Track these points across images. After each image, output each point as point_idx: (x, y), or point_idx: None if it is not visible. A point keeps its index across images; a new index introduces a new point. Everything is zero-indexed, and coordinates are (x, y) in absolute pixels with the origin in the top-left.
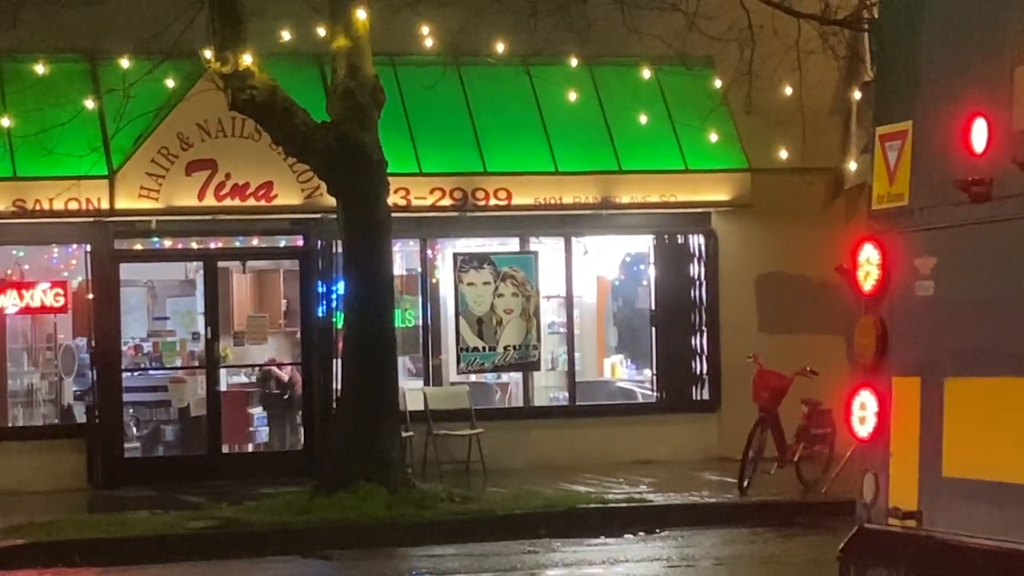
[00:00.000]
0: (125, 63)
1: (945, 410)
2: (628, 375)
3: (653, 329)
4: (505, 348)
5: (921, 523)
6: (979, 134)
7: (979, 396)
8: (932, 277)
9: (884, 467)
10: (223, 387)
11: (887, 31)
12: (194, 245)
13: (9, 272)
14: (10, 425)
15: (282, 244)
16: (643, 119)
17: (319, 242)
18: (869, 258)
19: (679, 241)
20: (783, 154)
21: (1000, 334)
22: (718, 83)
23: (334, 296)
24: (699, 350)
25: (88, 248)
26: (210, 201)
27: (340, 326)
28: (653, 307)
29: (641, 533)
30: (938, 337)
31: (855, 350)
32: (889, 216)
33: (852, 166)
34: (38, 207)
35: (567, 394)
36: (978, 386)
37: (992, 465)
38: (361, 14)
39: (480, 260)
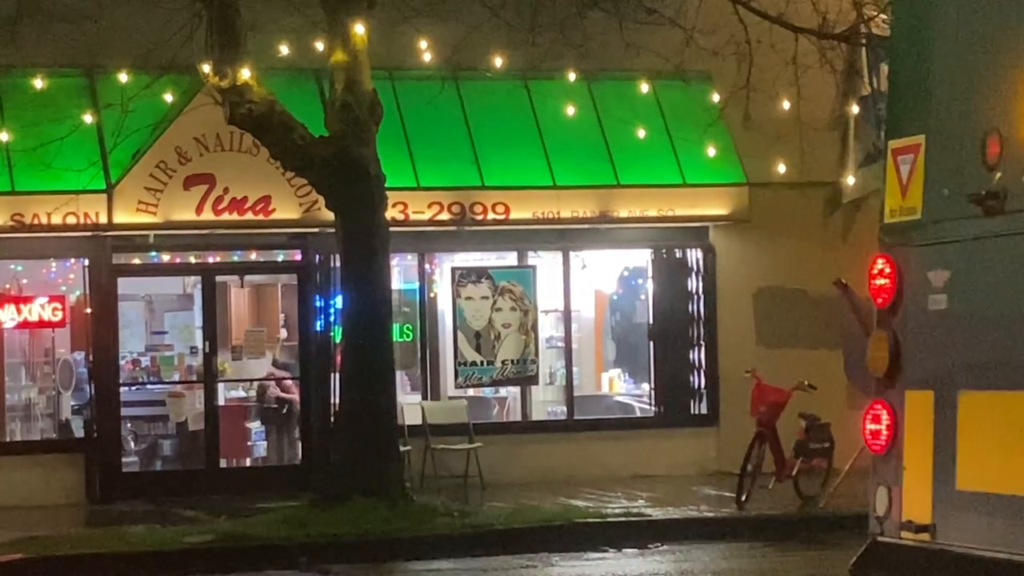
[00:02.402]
0: (123, 78)
1: (958, 423)
2: (626, 389)
3: (651, 343)
4: (503, 362)
5: (935, 536)
6: (992, 148)
7: (992, 409)
8: (945, 290)
9: (897, 480)
10: (221, 401)
11: (899, 44)
12: (192, 259)
13: (7, 286)
14: (8, 440)
15: (280, 258)
16: (641, 133)
17: (317, 256)
18: (882, 271)
19: (677, 255)
20: (781, 168)
21: (1013, 347)
22: (716, 97)
23: (332, 310)
24: (697, 364)
25: (86, 262)
26: (208, 215)
27: (338, 340)
28: (651, 321)
29: (639, 547)
30: (951, 350)
31: (869, 364)
32: (902, 230)
33: (850, 180)
34: (36, 221)
35: (565, 408)
36: (991, 399)
37: (1006, 478)
38: (359, 28)
39: (478, 274)
